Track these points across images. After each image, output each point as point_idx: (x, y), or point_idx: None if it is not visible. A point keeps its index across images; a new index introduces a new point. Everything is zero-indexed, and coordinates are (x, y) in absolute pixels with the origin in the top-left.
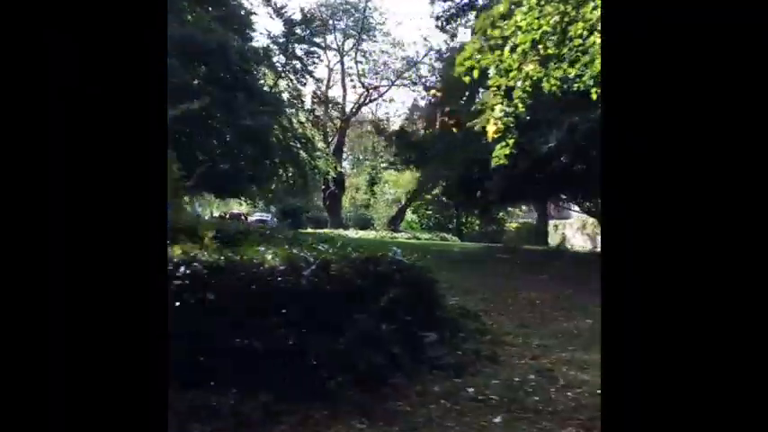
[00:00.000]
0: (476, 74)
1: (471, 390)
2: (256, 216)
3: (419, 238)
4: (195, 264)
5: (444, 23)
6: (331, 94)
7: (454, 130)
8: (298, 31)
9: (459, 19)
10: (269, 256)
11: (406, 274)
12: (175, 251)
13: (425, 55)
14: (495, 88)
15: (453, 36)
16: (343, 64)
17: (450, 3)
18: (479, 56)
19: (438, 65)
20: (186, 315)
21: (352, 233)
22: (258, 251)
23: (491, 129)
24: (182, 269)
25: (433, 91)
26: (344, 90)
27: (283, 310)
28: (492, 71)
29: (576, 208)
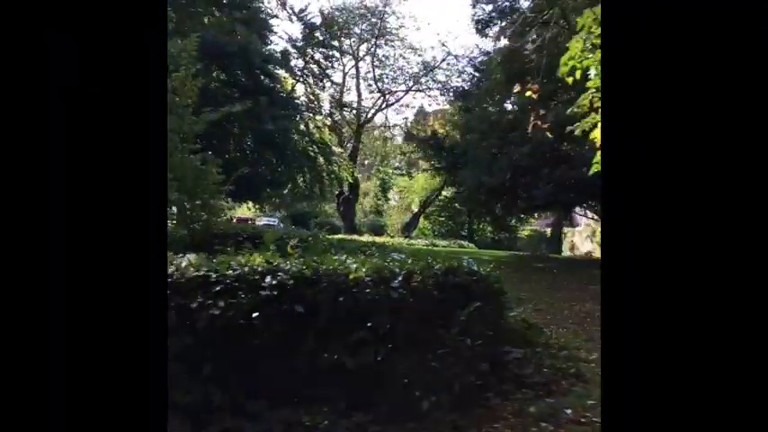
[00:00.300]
0: (578, 74)
1: (569, 411)
2: (264, 221)
3: (436, 245)
4: (280, 274)
5: (483, 27)
6: (346, 99)
7: (548, 134)
8: (317, 34)
9: (499, 22)
10: (353, 266)
11: (482, 286)
12: (256, 260)
13: (443, 60)
14: (595, 90)
15: (497, 39)
16: (358, 69)
17: (492, 5)
18: (591, 55)
19: (469, 69)
20: (274, 327)
21: (367, 239)
22: (338, 260)
23: (598, 133)
24: (267, 279)
25: (529, 93)
26: (359, 95)
27: (369, 324)
28: (592, 72)
29: (591, 215)
